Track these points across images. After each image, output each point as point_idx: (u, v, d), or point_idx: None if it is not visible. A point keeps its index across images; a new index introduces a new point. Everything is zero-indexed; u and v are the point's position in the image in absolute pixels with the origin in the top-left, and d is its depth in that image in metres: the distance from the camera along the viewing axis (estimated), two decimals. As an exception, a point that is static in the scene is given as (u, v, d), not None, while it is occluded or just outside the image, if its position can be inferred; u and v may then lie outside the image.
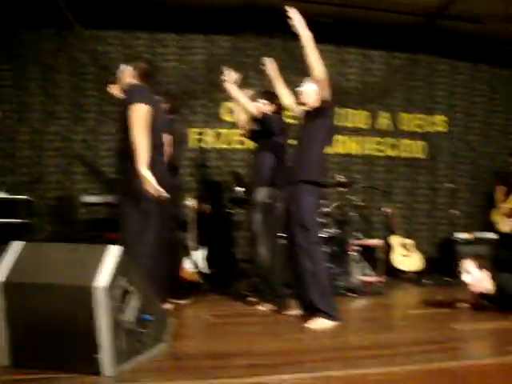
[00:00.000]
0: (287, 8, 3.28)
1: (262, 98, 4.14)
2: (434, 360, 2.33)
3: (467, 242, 6.56)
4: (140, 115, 3.07)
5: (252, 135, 4.36)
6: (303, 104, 3.61)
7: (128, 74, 3.40)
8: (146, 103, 3.11)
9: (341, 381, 2.12)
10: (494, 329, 3.21)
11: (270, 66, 4.03)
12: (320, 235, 3.53)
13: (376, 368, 2.21)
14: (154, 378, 2.08)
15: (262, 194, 4.03)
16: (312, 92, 3.48)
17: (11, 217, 5.25)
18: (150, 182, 3.00)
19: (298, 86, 3.64)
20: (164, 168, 3.43)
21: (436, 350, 2.55)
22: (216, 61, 6.23)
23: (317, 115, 3.44)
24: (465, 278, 3.67)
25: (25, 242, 2.32)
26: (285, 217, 3.56)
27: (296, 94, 3.70)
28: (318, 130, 3.45)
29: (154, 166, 3.09)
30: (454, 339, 2.85)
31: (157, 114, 3.26)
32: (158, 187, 3.03)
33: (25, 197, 5.49)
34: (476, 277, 3.65)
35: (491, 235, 6.61)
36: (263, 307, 3.99)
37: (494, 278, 3.65)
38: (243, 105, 4.08)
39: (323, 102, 3.40)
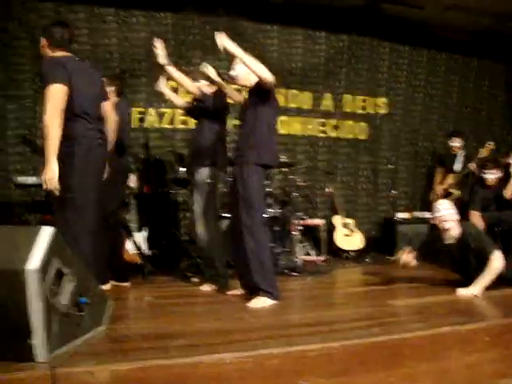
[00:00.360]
0: (216, 34, 3.26)
1: (202, 79, 4.08)
2: (371, 335, 2.38)
3: (406, 222, 6.75)
4: (55, 97, 2.94)
5: (192, 112, 4.30)
6: (243, 86, 3.63)
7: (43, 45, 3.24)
8: (62, 81, 2.96)
9: (280, 358, 2.13)
10: (426, 303, 3.32)
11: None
12: (264, 215, 3.52)
13: (315, 344, 2.23)
14: (91, 361, 2.02)
15: (202, 174, 3.98)
16: (246, 73, 3.44)
17: None
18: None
19: (229, 71, 3.62)
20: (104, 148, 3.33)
21: (372, 326, 2.60)
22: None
23: (260, 95, 3.39)
24: (438, 212, 3.69)
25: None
26: (230, 196, 3.54)
27: (231, 79, 3.67)
28: (263, 110, 3.41)
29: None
30: (389, 314, 2.93)
31: (86, 85, 3.14)
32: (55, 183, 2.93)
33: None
34: (449, 211, 3.69)
35: (429, 215, 6.82)
36: (206, 288, 3.98)
37: None
38: (183, 85, 4.01)
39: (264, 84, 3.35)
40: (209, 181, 3.96)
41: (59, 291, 2.14)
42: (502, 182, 5.34)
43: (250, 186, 3.32)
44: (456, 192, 6.13)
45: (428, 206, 7.14)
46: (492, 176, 5.25)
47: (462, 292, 3.43)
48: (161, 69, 3.95)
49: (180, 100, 4.48)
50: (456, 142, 6.31)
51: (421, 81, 7.68)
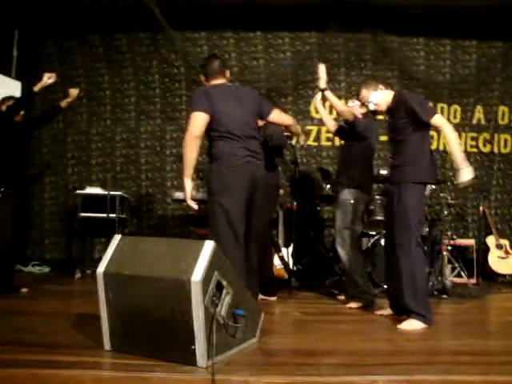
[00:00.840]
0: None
1: (355, 99, 4.11)
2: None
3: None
4: (193, 123, 3.18)
5: (341, 133, 4.36)
6: (379, 112, 3.66)
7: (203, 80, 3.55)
8: (202, 109, 3.19)
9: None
10: None
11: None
12: (420, 235, 3.42)
13: (475, 375, 2.11)
14: (246, 371, 2.10)
15: (346, 194, 4.04)
16: (377, 97, 3.49)
17: (108, 211, 5.56)
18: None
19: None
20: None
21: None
22: (303, 58, 6.25)
23: (407, 120, 3.33)
24: None
25: (123, 236, 2.44)
26: (385, 214, 3.56)
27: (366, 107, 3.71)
28: (410, 131, 3.33)
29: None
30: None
31: (233, 107, 3.31)
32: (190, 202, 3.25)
33: (120, 193, 5.77)
34: None
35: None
36: (352, 305, 3.96)
37: None
38: (337, 109, 4.07)
39: None
40: (351, 202, 4.00)
41: (218, 302, 2.26)
42: None
43: (406, 204, 3.24)
44: None
45: None
46: None
47: None
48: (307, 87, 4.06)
49: (331, 121, 4.52)
50: None
51: None
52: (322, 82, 3.91)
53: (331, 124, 4.45)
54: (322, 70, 3.91)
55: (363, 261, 4.23)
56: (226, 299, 2.32)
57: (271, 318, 3.49)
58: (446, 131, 3.20)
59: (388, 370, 2.15)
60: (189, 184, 3.23)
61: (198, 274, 2.11)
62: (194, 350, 2.12)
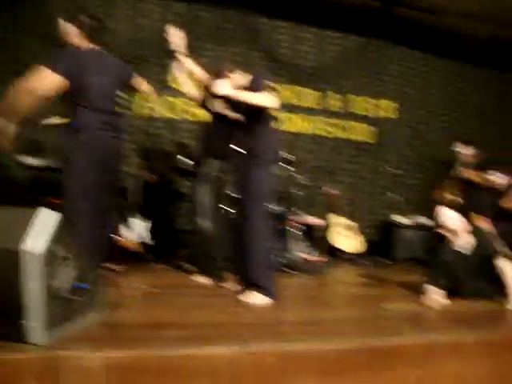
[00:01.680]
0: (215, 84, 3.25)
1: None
2: (363, 338, 2.38)
3: (406, 226, 6.75)
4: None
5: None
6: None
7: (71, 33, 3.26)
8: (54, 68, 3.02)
9: (272, 355, 2.14)
10: (420, 309, 3.33)
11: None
12: (269, 211, 3.52)
13: (307, 344, 2.24)
14: (85, 346, 2.02)
15: (212, 166, 3.99)
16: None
17: None
18: None
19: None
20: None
21: (366, 328, 2.62)
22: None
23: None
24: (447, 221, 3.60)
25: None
26: (235, 190, 3.56)
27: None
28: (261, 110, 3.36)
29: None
30: (383, 319, 2.92)
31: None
32: None
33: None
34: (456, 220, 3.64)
35: (430, 221, 6.84)
36: (202, 279, 3.97)
37: None
38: (199, 79, 3.99)
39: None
40: (217, 174, 3.97)
41: (58, 274, 2.14)
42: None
43: (257, 181, 3.29)
44: (457, 198, 6.11)
45: (430, 212, 7.16)
46: (494, 178, 5.14)
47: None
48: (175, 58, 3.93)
49: (195, 91, 4.35)
50: (462, 149, 6.30)
51: (432, 88, 7.67)
52: (177, 46, 3.81)
53: (195, 94, 4.28)
54: (174, 34, 3.77)
55: (222, 237, 4.23)
56: (66, 271, 2.20)
57: (119, 292, 3.40)
58: (264, 95, 3.22)
59: (228, 341, 2.20)
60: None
61: (34, 244, 1.96)
62: (29, 324, 1.98)
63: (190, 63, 3.88)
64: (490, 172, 5.14)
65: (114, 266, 4.02)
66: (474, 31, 7.10)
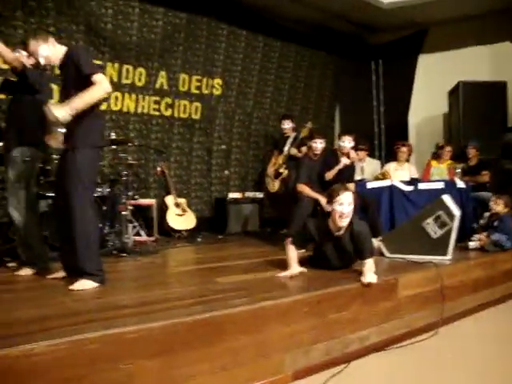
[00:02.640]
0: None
1: (22, 49, 3.73)
2: (192, 313, 2.41)
3: (238, 202, 6.98)
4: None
5: (7, 87, 3.96)
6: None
7: None
8: None
9: (98, 342, 2.06)
10: (251, 279, 3.46)
11: None
12: (93, 195, 3.38)
13: (134, 326, 2.19)
14: None
15: (21, 152, 3.70)
16: (47, 51, 3.26)
17: None
18: None
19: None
20: None
21: (196, 304, 2.64)
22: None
23: (77, 75, 3.15)
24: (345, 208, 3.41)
25: None
26: (56, 175, 3.35)
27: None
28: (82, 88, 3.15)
29: None
30: (214, 292, 2.98)
31: None
32: None
33: None
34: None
35: (260, 195, 7.17)
36: (24, 272, 3.70)
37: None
38: (6, 57, 3.62)
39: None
40: (27, 159, 3.70)
41: None
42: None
43: (80, 165, 3.14)
44: (284, 172, 6.48)
45: (259, 187, 7.50)
46: (318, 145, 5.35)
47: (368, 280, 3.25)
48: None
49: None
50: (286, 124, 6.69)
51: (256, 65, 7.95)
52: None
53: (11, 56, 3.92)
54: None
55: (40, 224, 3.95)
56: None
57: None
58: (95, 88, 3.09)
59: (50, 335, 2.06)
60: None
61: None
62: None
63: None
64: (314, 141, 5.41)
65: None
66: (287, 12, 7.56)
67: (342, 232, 3.50)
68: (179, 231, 6.35)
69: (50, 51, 3.26)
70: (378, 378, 2.81)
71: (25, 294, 3.15)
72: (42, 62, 3.30)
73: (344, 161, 5.05)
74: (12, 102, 3.92)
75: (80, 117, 3.13)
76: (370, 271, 3.30)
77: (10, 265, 4.03)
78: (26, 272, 3.70)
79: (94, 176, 3.42)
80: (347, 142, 5.14)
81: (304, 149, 6.30)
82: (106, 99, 3.19)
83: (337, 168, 5.04)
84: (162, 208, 6.44)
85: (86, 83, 3.10)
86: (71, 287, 3.08)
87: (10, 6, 5.50)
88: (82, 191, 3.14)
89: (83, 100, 3.06)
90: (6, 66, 4.48)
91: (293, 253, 3.53)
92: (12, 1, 5.50)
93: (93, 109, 3.20)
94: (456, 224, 4.18)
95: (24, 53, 3.68)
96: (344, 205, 3.39)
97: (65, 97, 3.23)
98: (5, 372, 1.86)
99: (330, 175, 5.05)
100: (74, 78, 3.17)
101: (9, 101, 4.02)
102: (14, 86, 3.83)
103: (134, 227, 5.40)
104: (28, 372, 1.90)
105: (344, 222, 3.42)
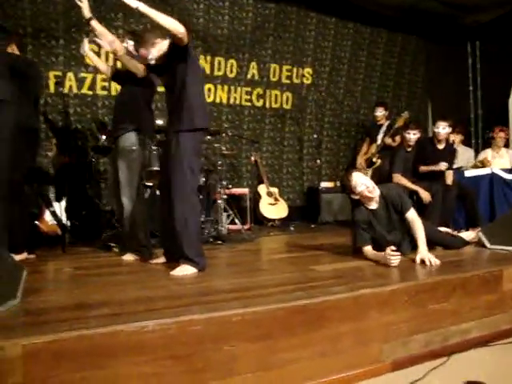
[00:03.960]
0: None
1: (130, 39, 3.89)
2: (293, 299, 2.41)
3: (330, 191, 6.91)
4: None
5: (118, 77, 4.09)
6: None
7: None
8: None
9: (203, 324, 2.11)
10: (347, 267, 3.40)
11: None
12: (197, 184, 3.45)
13: (238, 309, 2.23)
14: (1, 336, 1.88)
15: (127, 140, 3.82)
16: (155, 53, 3.30)
17: None
18: None
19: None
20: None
21: (295, 290, 2.63)
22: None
23: (178, 55, 3.21)
24: (361, 186, 3.58)
25: None
26: (161, 162, 3.44)
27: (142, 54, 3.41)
28: (188, 72, 3.24)
29: None
30: (312, 279, 2.97)
31: None
32: None
33: None
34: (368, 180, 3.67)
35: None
36: (128, 257, 3.88)
37: None
38: (109, 43, 3.67)
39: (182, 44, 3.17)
40: (134, 147, 3.80)
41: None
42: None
43: (184, 152, 3.19)
44: (377, 161, 6.32)
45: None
46: (412, 136, 5.30)
47: (421, 257, 3.35)
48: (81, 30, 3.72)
49: (103, 65, 4.27)
50: (379, 112, 6.50)
51: (346, 53, 7.82)
52: (86, 10, 3.54)
53: (104, 68, 4.20)
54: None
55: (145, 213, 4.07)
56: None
57: (40, 276, 3.26)
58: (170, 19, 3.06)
59: (157, 315, 2.14)
60: None
61: None
62: None
63: (98, 27, 3.62)
64: (407, 132, 5.32)
65: (23, 255, 3.81)
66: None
67: (376, 205, 3.63)
68: (272, 220, 6.41)
69: (160, 49, 3.30)
70: (480, 374, 2.66)
71: (130, 277, 3.30)
72: (153, 63, 3.34)
73: (443, 165, 4.97)
74: (122, 93, 4.05)
75: (177, 100, 3.22)
76: (421, 237, 3.42)
77: (115, 250, 4.25)
78: (130, 257, 3.88)
79: (198, 161, 3.43)
80: (441, 128, 5.05)
81: (398, 138, 6.12)
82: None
83: (432, 168, 5.00)
84: (255, 197, 6.52)
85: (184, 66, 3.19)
86: (172, 272, 3.18)
87: (113, 8, 5.81)
88: (185, 177, 3.19)
89: (153, 12, 3.03)
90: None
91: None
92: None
93: (197, 92, 3.26)
94: None
95: (131, 42, 3.83)
96: (361, 185, 3.56)
97: (168, 88, 3.37)
98: (117, 347, 1.96)
99: (423, 169, 5.05)
100: (177, 65, 3.23)
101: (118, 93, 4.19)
102: (123, 77, 3.97)
103: (229, 216, 5.51)
104: (138, 347, 1.99)
105: (375, 193, 3.58)
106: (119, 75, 4.05)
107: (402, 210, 3.58)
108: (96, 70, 5.20)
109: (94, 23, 3.60)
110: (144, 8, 3.03)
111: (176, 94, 3.28)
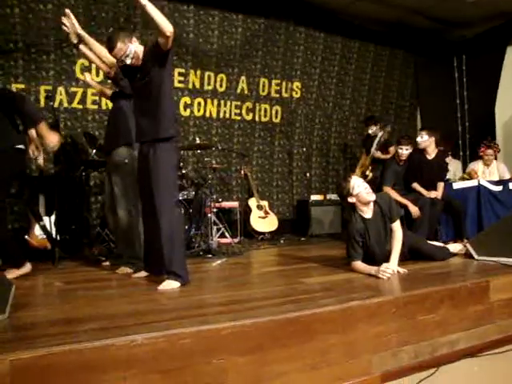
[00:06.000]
0: None
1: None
2: (283, 312, 2.42)
3: (319, 204, 6.94)
4: None
5: (111, 96, 4.17)
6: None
7: None
8: None
9: (193, 337, 2.12)
10: (336, 280, 3.42)
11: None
12: (178, 197, 3.46)
13: (227, 323, 2.24)
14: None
15: (119, 154, 3.89)
16: (133, 50, 3.27)
17: None
18: None
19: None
20: None
21: (285, 303, 2.65)
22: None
23: (160, 62, 3.20)
24: (359, 187, 3.65)
25: None
26: (140, 176, 3.42)
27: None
28: (164, 79, 3.24)
29: None
30: (301, 292, 2.99)
31: None
32: None
33: None
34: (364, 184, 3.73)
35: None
36: (123, 270, 3.88)
37: None
38: (101, 58, 3.69)
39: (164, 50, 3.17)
40: (126, 161, 3.87)
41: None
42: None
43: (165, 165, 3.20)
44: (370, 174, 6.37)
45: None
46: (404, 151, 5.37)
47: (388, 266, 3.40)
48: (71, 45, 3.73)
49: (108, 90, 4.24)
50: (370, 130, 6.54)
51: (334, 67, 7.90)
52: (73, 36, 3.60)
53: (109, 92, 4.20)
54: (68, 21, 3.56)
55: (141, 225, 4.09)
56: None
57: (28, 292, 3.25)
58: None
59: (147, 329, 2.15)
60: None
61: None
62: None
63: (96, 45, 3.65)
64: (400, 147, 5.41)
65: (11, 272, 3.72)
66: (364, 11, 7.39)
67: (371, 214, 3.69)
68: (262, 233, 6.42)
69: (138, 49, 3.28)
70: (469, 385, 2.69)
71: (119, 291, 3.31)
72: (129, 62, 3.28)
73: (433, 193, 5.10)
74: (112, 109, 4.15)
75: (158, 113, 3.21)
76: (396, 249, 3.52)
77: (105, 264, 4.25)
78: (122, 271, 3.87)
79: (177, 172, 3.47)
80: (419, 138, 5.21)
81: (392, 149, 6.17)
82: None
83: (422, 191, 5.15)
84: (245, 210, 6.54)
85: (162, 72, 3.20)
86: (159, 287, 3.16)
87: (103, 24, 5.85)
88: (168, 189, 3.20)
89: (154, 9, 3.04)
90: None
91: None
92: (108, 19, 5.85)
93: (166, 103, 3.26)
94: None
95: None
96: (360, 186, 3.63)
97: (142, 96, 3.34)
98: (107, 361, 1.96)
99: (415, 187, 5.22)
100: (155, 70, 3.21)
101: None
102: (112, 94, 4.06)
103: (219, 229, 5.52)
104: (128, 362, 1.99)
105: (372, 197, 3.65)
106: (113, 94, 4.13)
107: (390, 218, 3.64)
108: (87, 85, 5.22)
109: (83, 47, 3.66)
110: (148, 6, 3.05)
111: (152, 100, 3.25)
